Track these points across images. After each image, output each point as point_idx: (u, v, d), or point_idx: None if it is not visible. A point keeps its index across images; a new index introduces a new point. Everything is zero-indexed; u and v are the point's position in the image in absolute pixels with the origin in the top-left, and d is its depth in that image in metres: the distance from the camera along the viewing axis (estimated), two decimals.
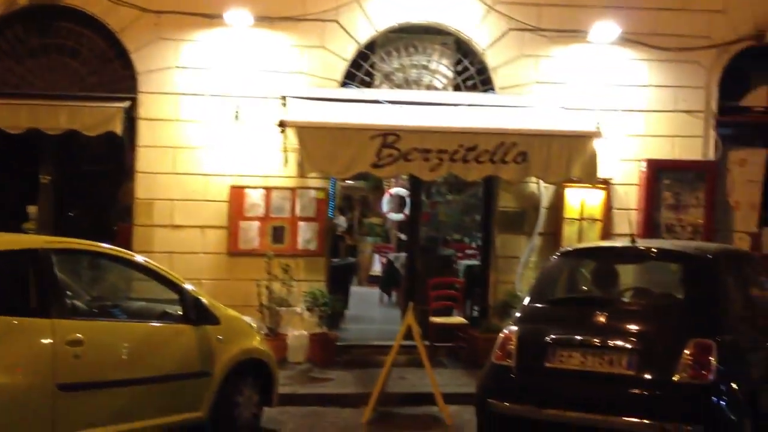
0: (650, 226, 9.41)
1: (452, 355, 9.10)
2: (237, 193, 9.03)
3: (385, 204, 14.41)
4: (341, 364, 8.67)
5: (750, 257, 6.98)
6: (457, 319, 9.46)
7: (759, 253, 9.46)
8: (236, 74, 9.09)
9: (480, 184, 10.13)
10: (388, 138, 8.18)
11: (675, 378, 5.01)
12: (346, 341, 9.37)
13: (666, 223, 9.49)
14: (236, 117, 9.00)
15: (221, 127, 9.04)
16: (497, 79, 9.37)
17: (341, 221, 13.83)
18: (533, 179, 8.99)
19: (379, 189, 16.02)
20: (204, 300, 5.87)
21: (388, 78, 9.47)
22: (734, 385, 5.07)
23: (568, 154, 8.41)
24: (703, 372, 4.98)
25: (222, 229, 9.04)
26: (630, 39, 9.44)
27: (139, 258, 6.01)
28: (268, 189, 9.07)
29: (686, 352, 5.02)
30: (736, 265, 6.18)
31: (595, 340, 5.31)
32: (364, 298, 13.00)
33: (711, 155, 9.55)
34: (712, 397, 4.98)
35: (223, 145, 9.05)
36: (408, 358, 8.08)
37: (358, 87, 9.28)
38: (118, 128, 8.60)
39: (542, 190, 9.27)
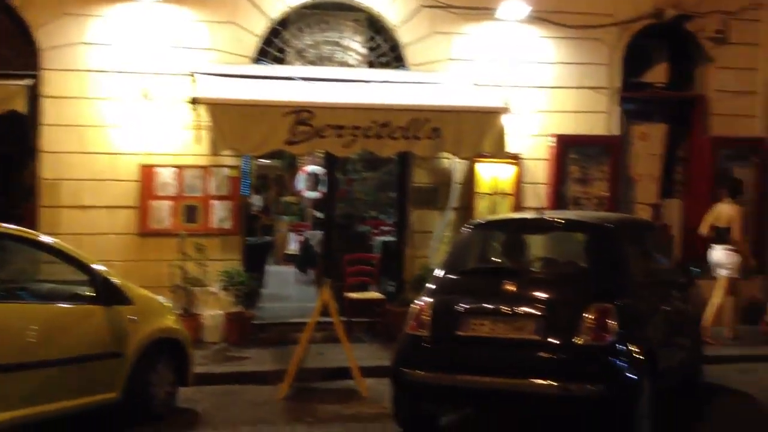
0: (558, 199, 9.79)
1: (369, 330, 9.28)
2: (147, 172, 8.92)
3: (300, 182, 14.44)
4: (258, 343, 8.74)
5: (649, 226, 7.42)
6: (374, 294, 9.64)
7: (659, 223, 10.02)
8: (145, 50, 8.94)
9: (395, 160, 10.31)
10: (301, 115, 8.23)
11: (578, 341, 5.32)
12: (263, 320, 9.43)
13: (573, 196, 9.90)
14: (145, 94, 8.87)
15: (130, 105, 8.90)
16: (410, 55, 9.53)
17: (257, 200, 13.80)
18: (446, 155, 9.22)
19: (294, 167, 16.03)
20: (115, 280, 5.85)
21: (301, 55, 9.49)
22: (633, 346, 5.42)
23: (479, 129, 8.66)
24: (604, 334, 5.31)
25: (132, 209, 8.92)
26: (538, 17, 9.74)
27: (47, 239, 5.92)
28: (179, 167, 8.99)
29: (588, 316, 5.34)
30: (636, 233, 6.57)
31: (504, 308, 5.58)
32: (280, 277, 13.04)
33: (615, 130, 9.99)
34: (613, 358, 5.32)
35: (132, 123, 8.91)
36: (325, 335, 8.21)
37: (270, 63, 9.28)
38: (20, 106, 8.36)
39: (455, 165, 9.52)
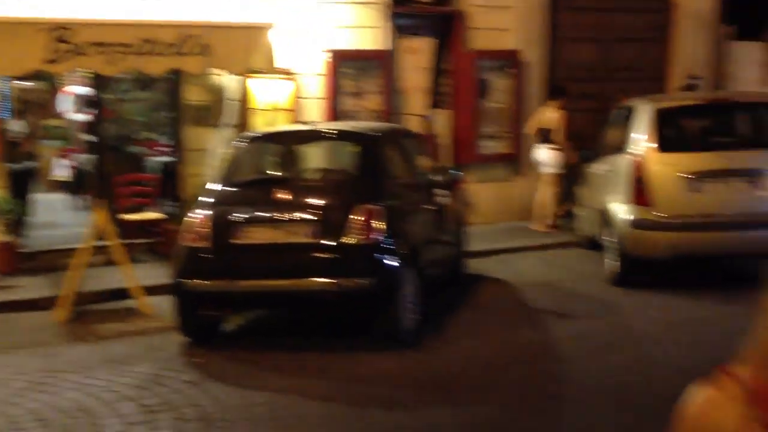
0: (335, 113, 10.33)
1: (150, 251, 9.42)
2: None
3: (64, 103, 13.85)
4: (29, 272, 8.60)
5: (412, 134, 8.15)
6: (151, 214, 9.73)
7: (429, 134, 10.91)
8: None
9: (167, 79, 10.26)
10: (59, 32, 8.01)
11: (348, 241, 5.94)
12: (33, 248, 9.24)
13: (349, 110, 10.47)
14: None
15: None
16: None
17: (19, 125, 13.09)
18: (217, 71, 9.38)
19: (58, 88, 15.26)
20: None
21: None
22: (397, 243, 6.14)
23: (248, 45, 8.90)
24: (370, 233, 5.96)
25: None
26: None
27: None
28: None
29: (355, 217, 5.96)
30: (399, 141, 7.25)
31: (278, 215, 6.06)
32: (50, 205, 12.62)
33: (386, 45, 10.61)
34: (379, 254, 6.01)
35: None
36: (104, 258, 8.25)
37: None
38: None
39: (228, 81, 9.71)
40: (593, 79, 12.13)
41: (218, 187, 6.46)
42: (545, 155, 10.51)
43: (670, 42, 12.46)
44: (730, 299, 6.82)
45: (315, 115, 10.05)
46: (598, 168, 8.94)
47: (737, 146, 7.88)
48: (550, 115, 10.45)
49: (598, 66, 12.15)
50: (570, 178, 10.28)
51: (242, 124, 9.81)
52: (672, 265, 7.77)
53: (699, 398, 1.06)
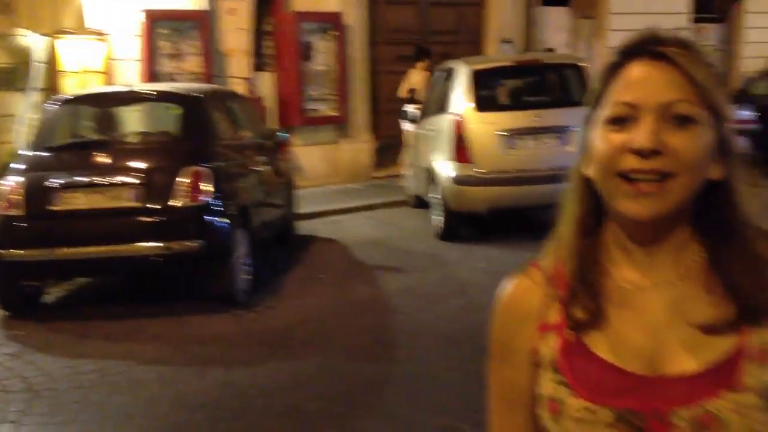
0: (152, 75, 10.06)
1: None
2: None
3: None
4: None
5: (236, 96, 8.12)
6: None
7: (253, 96, 10.87)
8: None
9: None
10: None
11: (176, 204, 5.89)
12: None
13: (167, 72, 10.23)
14: None
15: None
16: None
17: None
18: (22, 31, 8.85)
19: None
20: None
21: None
22: (226, 205, 6.16)
23: (55, 4, 8.49)
24: (198, 195, 5.94)
25: None
26: None
27: None
28: None
29: (182, 180, 5.91)
30: (224, 102, 7.21)
31: (98, 179, 5.90)
32: None
33: (203, 5, 10.42)
34: (208, 216, 6.01)
35: None
36: None
37: None
38: None
39: (34, 42, 9.19)
40: (412, 42, 12.54)
41: (30, 152, 6.17)
42: (414, 113, 10.82)
43: (485, 7, 13.10)
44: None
45: (131, 78, 9.75)
46: (422, 128, 9.32)
47: (546, 105, 8.48)
48: (415, 77, 10.87)
49: (417, 29, 12.56)
50: None
51: (51, 88, 9.35)
52: (492, 217, 8.30)
53: (511, 286, 1.26)
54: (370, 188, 11.47)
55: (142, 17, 9.90)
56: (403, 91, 11.11)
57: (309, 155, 11.51)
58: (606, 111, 1.13)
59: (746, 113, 10.80)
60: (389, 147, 12.40)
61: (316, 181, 11.49)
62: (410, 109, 10.79)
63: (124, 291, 6.80)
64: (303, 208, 9.38)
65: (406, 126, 10.92)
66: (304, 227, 8.99)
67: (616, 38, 14.55)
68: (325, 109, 11.62)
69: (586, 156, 1.17)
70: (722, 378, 1.09)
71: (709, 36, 16.81)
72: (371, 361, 5.14)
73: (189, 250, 5.86)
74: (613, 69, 1.15)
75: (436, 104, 8.94)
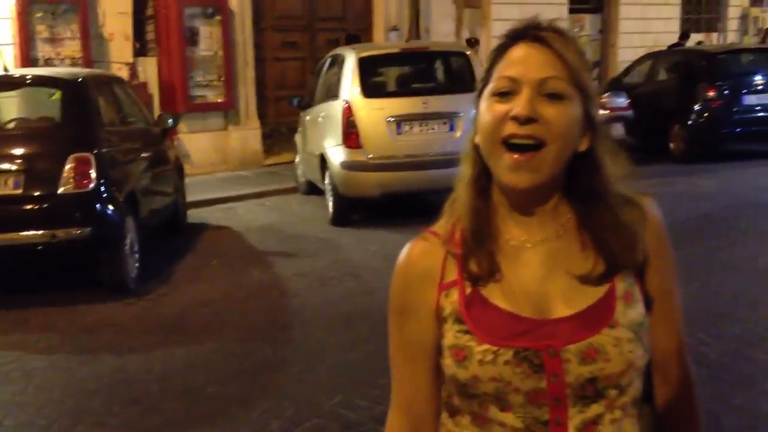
0: (28, 60, 9.74)
1: None
2: None
3: None
4: None
5: (120, 81, 8.00)
6: None
7: (136, 81, 10.70)
8: None
9: None
10: None
11: (61, 190, 5.80)
12: None
13: (44, 57, 9.93)
14: None
15: None
16: None
17: None
18: None
19: None
20: None
21: None
22: (114, 191, 6.12)
23: None
24: (84, 182, 5.87)
25: None
26: None
27: None
28: None
29: (68, 166, 5.82)
30: (107, 87, 7.10)
31: None
32: None
33: None
34: (95, 203, 5.95)
35: None
36: None
37: None
38: None
39: None
40: (300, 28, 12.63)
41: None
42: None
43: None
44: None
45: (4, 63, 9.40)
46: (313, 114, 9.43)
47: (433, 92, 8.74)
48: None
49: (304, 15, 12.65)
50: None
51: None
52: (383, 202, 8.51)
53: (409, 249, 1.40)
54: (260, 175, 11.50)
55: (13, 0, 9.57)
56: None
57: (197, 142, 11.45)
58: (492, 85, 1.31)
59: (621, 100, 11.42)
60: (278, 133, 12.46)
61: (205, 168, 11.44)
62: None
63: (11, 281, 6.62)
64: (194, 196, 9.34)
65: None
66: (195, 215, 8.95)
67: (498, 27, 15.10)
68: (212, 96, 11.55)
69: (477, 126, 1.34)
70: (601, 317, 1.29)
71: (585, 26, 17.66)
72: (266, 342, 5.24)
73: (76, 238, 5.79)
74: (501, 50, 1.33)
75: (325, 91, 9.07)
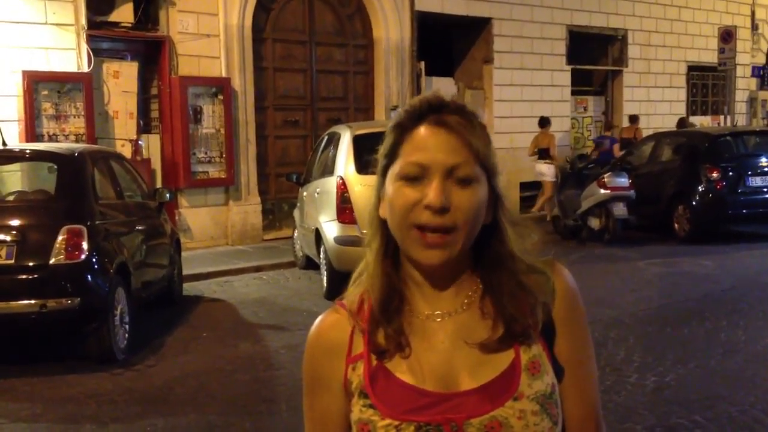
0: (33, 136, 10.03)
1: None
2: None
3: None
4: None
5: (118, 156, 8.25)
6: None
7: (140, 158, 10.99)
8: None
9: None
10: None
11: (53, 261, 5.96)
12: None
13: (49, 133, 10.22)
14: None
15: None
16: None
17: None
18: None
19: None
20: None
21: None
22: (104, 262, 6.27)
23: None
24: (76, 253, 6.03)
25: None
26: None
27: None
28: None
29: (60, 237, 6.00)
30: (104, 162, 7.33)
31: None
32: None
33: (85, 67, 10.55)
34: (86, 274, 6.10)
35: None
36: None
37: None
38: None
39: None
40: (302, 107, 13.00)
41: None
42: (544, 168, 13.95)
43: (372, 75, 13.72)
44: None
45: (12, 138, 9.72)
46: (310, 190, 9.65)
47: None
48: (542, 139, 14.04)
49: (305, 95, 13.03)
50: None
51: None
52: None
53: (319, 322, 1.42)
54: (259, 250, 11.67)
55: (21, 78, 9.93)
56: (531, 150, 14.18)
57: (198, 217, 11.67)
58: (399, 168, 1.31)
59: (623, 180, 11.60)
60: (279, 209, 12.69)
61: (205, 242, 11.63)
62: (542, 164, 14.01)
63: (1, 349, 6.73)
64: (191, 269, 9.48)
65: (544, 177, 13.81)
66: (192, 288, 9.08)
67: (500, 108, 15.48)
68: (214, 171, 11.82)
69: (382, 199, 1.35)
70: (505, 389, 1.30)
71: (589, 107, 18.05)
72: (248, 415, 5.27)
73: (65, 308, 5.92)
74: (403, 130, 1.33)
75: (322, 167, 9.31)
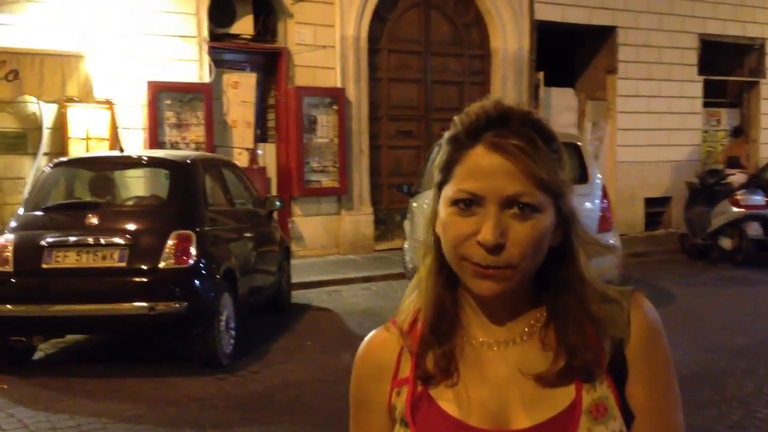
0: (156, 144, 10.45)
1: None
2: None
3: None
4: None
5: (231, 164, 8.46)
6: None
7: (256, 166, 11.26)
8: None
9: None
10: None
11: (161, 265, 6.14)
12: None
13: (170, 141, 10.63)
14: None
15: None
16: None
17: None
18: (30, 98, 9.32)
19: None
20: None
21: None
22: (212, 268, 6.40)
23: (61, 73, 8.96)
24: (184, 258, 6.19)
25: None
26: None
27: None
28: None
29: (170, 242, 6.17)
30: (216, 170, 7.52)
31: (88, 239, 6.18)
32: None
33: (206, 78, 10.90)
34: (194, 279, 6.24)
35: None
36: None
37: None
38: None
39: (42, 109, 9.65)
40: (415, 117, 12.98)
41: (23, 211, 6.51)
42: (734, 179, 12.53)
43: (488, 85, 13.55)
44: None
45: (136, 145, 10.15)
46: (419, 201, 9.58)
47: None
48: (735, 149, 13.85)
49: (419, 105, 13.00)
50: None
51: (61, 153, 9.74)
52: None
53: (368, 341, 1.35)
54: (370, 260, 11.70)
55: (147, 88, 10.35)
56: (721, 160, 13.94)
57: (310, 225, 11.82)
58: (451, 192, 1.20)
59: (758, 198, 10.99)
60: (391, 219, 12.69)
61: (317, 251, 11.77)
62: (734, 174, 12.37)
63: (110, 350, 7.00)
64: (300, 278, 9.59)
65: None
66: (300, 296, 9.18)
67: (624, 120, 14.97)
68: (327, 181, 11.96)
69: (438, 216, 1.23)
70: (561, 431, 1.17)
71: (722, 120, 17.18)
72: (345, 429, 5.24)
73: (173, 312, 6.07)
74: (457, 147, 1.21)
75: (430, 178, 9.18)
